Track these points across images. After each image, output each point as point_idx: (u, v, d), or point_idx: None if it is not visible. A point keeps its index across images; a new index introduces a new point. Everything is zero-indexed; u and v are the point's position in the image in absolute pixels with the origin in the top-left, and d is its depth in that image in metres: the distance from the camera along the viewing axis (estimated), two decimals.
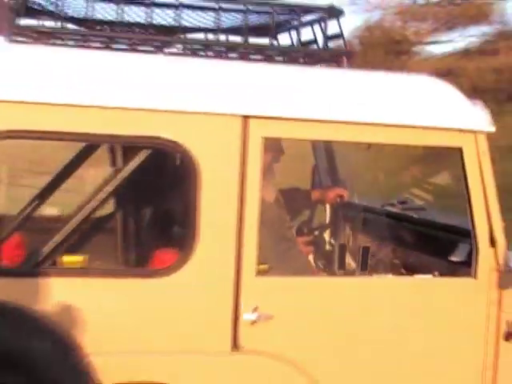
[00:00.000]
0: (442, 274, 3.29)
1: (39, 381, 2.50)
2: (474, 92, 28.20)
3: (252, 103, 2.84)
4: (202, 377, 2.84)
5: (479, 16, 30.14)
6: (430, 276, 3.20)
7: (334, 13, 2.98)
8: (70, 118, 2.67)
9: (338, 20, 3.03)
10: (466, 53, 32.10)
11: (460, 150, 3.08)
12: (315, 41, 3.22)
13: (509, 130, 26.32)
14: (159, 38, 3.08)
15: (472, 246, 3.13)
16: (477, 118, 3.12)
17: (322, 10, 3.02)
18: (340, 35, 3.05)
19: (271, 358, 2.85)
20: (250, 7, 3.00)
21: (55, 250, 2.80)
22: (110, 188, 2.79)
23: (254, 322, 2.85)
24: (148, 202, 3.54)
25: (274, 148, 3.22)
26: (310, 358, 2.92)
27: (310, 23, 3.15)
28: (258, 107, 2.83)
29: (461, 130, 3.06)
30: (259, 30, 3.15)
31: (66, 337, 2.60)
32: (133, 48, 3.05)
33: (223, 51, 3.13)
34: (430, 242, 3.53)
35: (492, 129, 3.12)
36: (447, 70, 29.60)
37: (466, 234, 3.18)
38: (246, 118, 2.80)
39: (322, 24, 3.07)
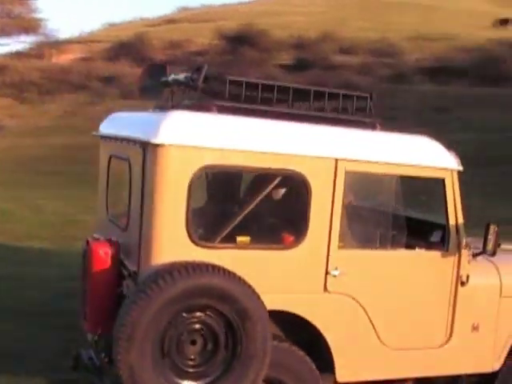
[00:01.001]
0: (431, 249, 5.25)
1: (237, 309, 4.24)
2: (22, 83, 37.60)
3: (340, 151, 4.76)
4: (311, 305, 4.74)
5: (29, 28, 40.46)
6: (427, 251, 5.24)
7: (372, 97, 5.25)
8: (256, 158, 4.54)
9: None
10: (17, 54, 42.53)
11: (443, 180, 5.15)
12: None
13: (49, 114, 35.47)
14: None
15: (446, 233, 5.21)
16: (453, 161, 5.16)
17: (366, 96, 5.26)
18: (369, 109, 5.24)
19: (346, 297, 4.85)
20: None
21: (233, 233, 4.50)
22: (261, 196, 4.64)
23: (335, 276, 4.75)
24: (282, 206, 4.85)
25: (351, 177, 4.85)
26: (366, 300, 4.89)
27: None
28: (344, 153, 4.77)
29: (444, 168, 5.15)
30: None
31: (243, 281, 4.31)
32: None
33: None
34: (423, 230, 5.57)
35: (461, 168, 5.16)
36: (2, 66, 39.09)
37: (443, 227, 5.28)
38: (336, 160, 4.73)
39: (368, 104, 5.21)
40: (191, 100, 4.96)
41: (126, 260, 4.70)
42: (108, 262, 4.68)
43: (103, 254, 4.69)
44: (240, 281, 4.27)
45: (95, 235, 5.09)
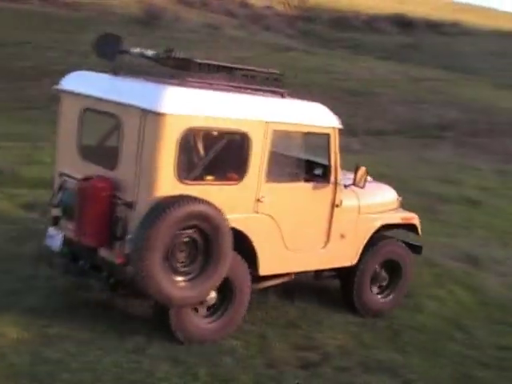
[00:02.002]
0: (318, 182, 7.52)
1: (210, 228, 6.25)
2: None
3: (268, 116, 6.83)
4: (246, 222, 6.78)
5: None
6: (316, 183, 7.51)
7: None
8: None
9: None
10: None
11: (328, 135, 7.38)
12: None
13: None
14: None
15: (327, 171, 7.50)
16: (336, 122, 7.45)
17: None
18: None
19: (267, 216, 6.95)
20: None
21: (203, 174, 6.64)
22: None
23: (262, 202, 6.84)
24: (233, 155, 6.90)
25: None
26: (279, 218, 7.03)
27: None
28: (270, 117, 6.83)
29: (330, 127, 7.40)
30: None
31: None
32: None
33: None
34: (316, 169, 7.92)
35: (341, 127, 7.47)
36: None
37: (327, 167, 7.54)
38: (266, 122, 6.73)
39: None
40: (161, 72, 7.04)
41: (118, 192, 6.44)
42: (106, 194, 6.40)
43: (102, 188, 6.41)
44: (215, 207, 6.30)
45: (69, 171, 7.05)
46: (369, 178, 8.16)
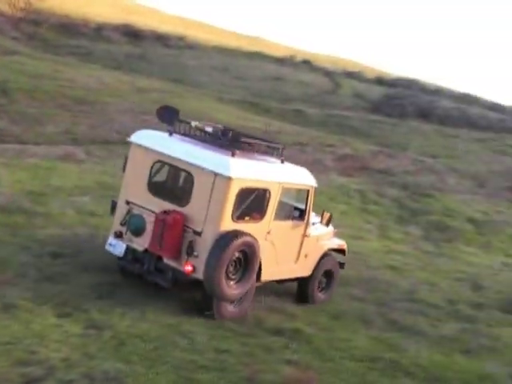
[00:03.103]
0: (298, 220, 11.10)
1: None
2: None
3: (280, 179, 10.50)
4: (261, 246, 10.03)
5: None
6: (297, 221, 11.13)
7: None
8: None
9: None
10: None
11: (308, 190, 11.15)
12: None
13: None
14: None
15: (304, 213, 11.11)
16: (314, 181, 11.22)
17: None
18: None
19: (270, 242, 10.41)
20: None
21: (241, 216, 9.90)
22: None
23: (269, 233, 10.39)
24: (261, 205, 10.27)
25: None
26: (275, 242, 10.44)
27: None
28: (280, 179, 10.46)
29: (311, 186, 11.18)
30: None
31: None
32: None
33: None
34: (298, 212, 11.22)
35: (316, 185, 11.26)
36: None
37: (303, 211, 11.13)
38: (279, 183, 10.41)
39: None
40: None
41: (187, 222, 9.59)
42: (181, 223, 9.52)
43: (179, 220, 9.52)
44: (254, 238, 9.65)
45: (148, 203, 9.95)
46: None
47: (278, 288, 11.86)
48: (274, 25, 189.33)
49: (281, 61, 54.26)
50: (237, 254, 9.52)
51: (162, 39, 50.68)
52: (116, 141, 22.10)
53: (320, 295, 12.04)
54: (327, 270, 12.03)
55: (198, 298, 10.23)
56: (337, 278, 12.36)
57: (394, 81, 56.65)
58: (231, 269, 9.58)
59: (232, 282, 9.65)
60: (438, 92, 55.98)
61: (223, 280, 9.41)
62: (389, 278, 14.76)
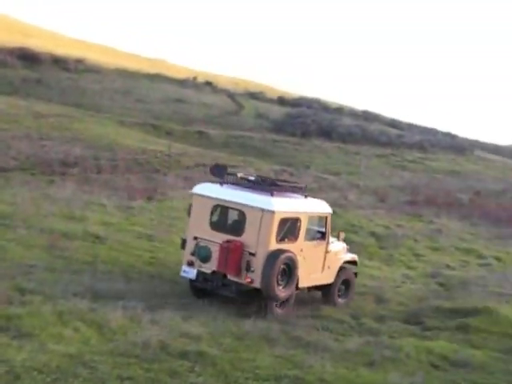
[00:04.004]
0: (321, 240, 14.20)
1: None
2: None
3: (306, 209, 13.70)
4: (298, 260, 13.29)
5: None
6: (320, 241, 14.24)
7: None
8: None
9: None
10: None
11: (327, 216, 14.26)
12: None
13: None
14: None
15: (325, 234, 14.22)
16: (330, 209, 14.40)
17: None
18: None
19: (303, 256, 13.50)
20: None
21: (283, 238, 13.22)
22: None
23: (302, 250, 13.53)
24: (296, 230, 13.45)
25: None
26: (307, 258, 13.56)
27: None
28: (308, 210, 13.76)
29: (328, 213, 14.29)
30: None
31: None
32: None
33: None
34: (321, 234, 14.27)
35: (332, 212, 14.54)
36: None
37: (324, 233, 14.23)
38: (306, 213, 13.64)
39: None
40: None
41: (244, 247, 12.77)
42: (240, 248, 12.72)
43: (239, 246, 12.75)
44: (294, 254, 12.90)
45: (211, 237, 13.16)
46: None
47: (186, 311, 11.76)
48: (175, 47, 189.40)
49: (183, 82, 54.27)
50: (283, 266, 12.79)
51: (60, 62, 49.91)
52: (13, 168, 21.56)
53: (339, 300, 14.95)
54: (345, 280, 15.08)
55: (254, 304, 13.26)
56: (353, 286, 15.41)
57: (295, 100, 57.61)
58: (279, 277, 12.80)
59: (281, 287, 12.90)
60: (339, 110, 57.20)
61: (275, 286, 12.70)
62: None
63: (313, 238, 13.94)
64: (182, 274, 13.58)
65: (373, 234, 23.59)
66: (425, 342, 12.18)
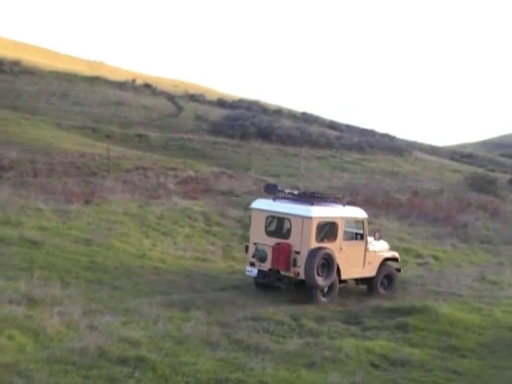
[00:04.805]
0: (360, 240, 17.13)
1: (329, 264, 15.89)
2: None
3: (342, 215, 16.67)
4: (336, 255, 16.32)
5: None
6: (359, 241, 17.19)
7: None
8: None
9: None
10: None
11: (363, 220, 17.14)
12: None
13: None
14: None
15: (363, 235, 17.08)
16: (366, 215, 17.38)
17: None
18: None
19: (343, 253, 16.52)
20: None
21: (323, 238, 16.19)
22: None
23: (342, 249, 16.53)
24: (330, 231, 16.41)
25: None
26: (347, 254, 16.53)
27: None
28: (345, 215, 16.73)
29: (364, 218, 17.18)
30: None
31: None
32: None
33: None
34: (359, 235, 17.20)
35: (367, 216, 17.63)
36: None
37: (363, 234, 17.11)
38: (341, 217, 16.49)
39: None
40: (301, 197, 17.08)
41: (291, 247, 15.86)
42: (289, 248, 15.86)
43: (288, 246, 15.90)
44: (331, 250, 15.86)
45: (266, 241, 16.30)
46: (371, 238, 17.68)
47: (125, 316, 11.60)
48: (113, 49, 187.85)
49: (122, 85, 53.67)
50: (322, 260, 15.64)
51: None
52: None
53: (382, 291, 17.57)
54: (387, 274, 17.72)
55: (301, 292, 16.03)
56: (395, 280, 17.96)
57: (235, 102, 57.53)
58: (320, 269, 15.64)
59: (321, 278, 15.69)
60: (278, 112, 57.40)
61: (316, 276, 15.51)
62: (234, 298, 14.87)
63: (351, 239, 16.95)
64: (247, 273, 16.71)
65: None
66: (365, 342, 12.29)
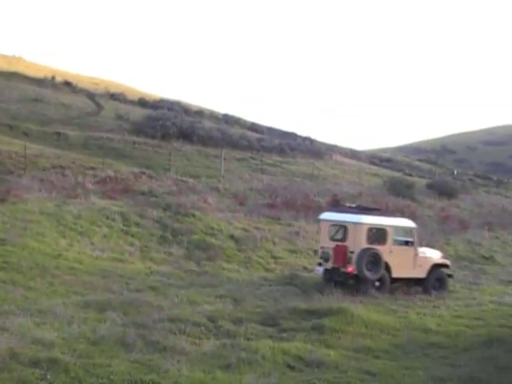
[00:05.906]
0: (411, 246, 20.32)
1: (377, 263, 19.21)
2: None
3: (393, 224, 20.25)
4: (387, 256, 19.63)
5: None
6: (410, 246, 20.53)
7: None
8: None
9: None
10: None
11: (411, 229, 20.48)
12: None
13: None
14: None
15: (413, 242, 20.31)
16: (415, 225, 20.84)
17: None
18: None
19: (395, 256, 19.85)
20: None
21: (372, 242, 19.72)
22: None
23: (391, 252, 19.83)
24: (377, 236, 19.88)
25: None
26: (398, 257, 19.82)
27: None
28: (394, 224, 20.25)
29: (412, 227, 20.54)
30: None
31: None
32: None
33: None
34: (410, 242, 20.43)
35: (416, 226, 21.04)
36: None
37: (413, 242, 20.37)
38: (390, 226, 20.07)
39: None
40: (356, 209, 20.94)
41: (347, 248, 19.37)
42: (346, 249, 19.39)
43: (345, 247, 19.41)
44: (378, 250, 19.29)
45: (330, 245, 19.90)
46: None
47: (39, 317, 11.33)
48: (32, 44, 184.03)
49: (40, 82, 52.56)
50: (370, 258, 18.92)
51: None
52: None
53: (433, 291, 20.19)
54: (438, 278, 20.71)
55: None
56: (446, 283, 20.92)
57: (156, 102, 57.08)
58: (369, 266, 18.84)
59: (370, 272, 18.86)
60: (200, 113, 57.27)
61: (365, 271, 18.75)
62: (150, 299, 14.76)
63: (401, 244, 20.21)
64: (315, 272, 20.29)
65: (231, 236, 23.79)
66: (281, 344, 12.36)
